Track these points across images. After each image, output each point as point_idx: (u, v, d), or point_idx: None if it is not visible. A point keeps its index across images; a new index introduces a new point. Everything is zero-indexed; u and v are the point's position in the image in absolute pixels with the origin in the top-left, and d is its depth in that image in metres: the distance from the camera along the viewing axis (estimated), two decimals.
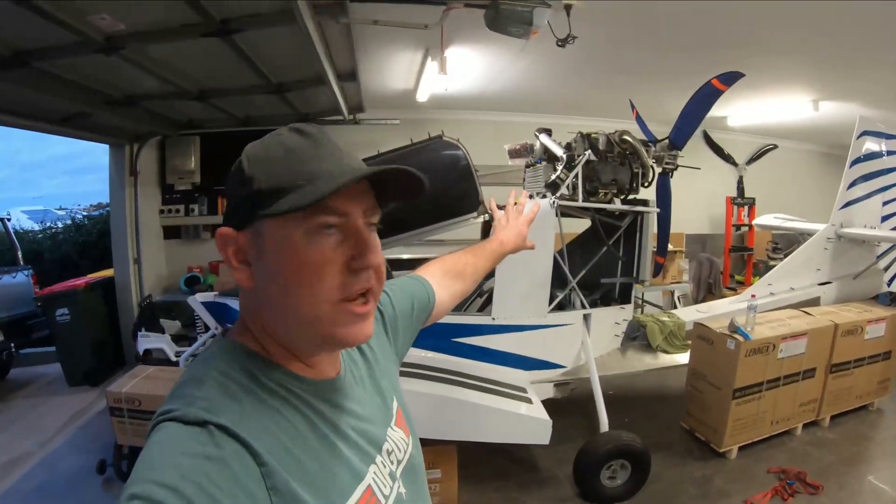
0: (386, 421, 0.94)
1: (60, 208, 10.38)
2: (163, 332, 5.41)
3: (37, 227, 9.02)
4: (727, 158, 8.32)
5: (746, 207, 8.35)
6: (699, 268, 7.33)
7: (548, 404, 3.47)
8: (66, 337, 5.69)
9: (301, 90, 4.78)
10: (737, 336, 3.82)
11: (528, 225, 1.64)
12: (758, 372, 3.90)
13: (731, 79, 3.84)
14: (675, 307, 5.75)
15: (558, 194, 3.63)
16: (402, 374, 3.17)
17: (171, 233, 7.00)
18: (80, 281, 5.94)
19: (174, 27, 3.08)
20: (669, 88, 5.06)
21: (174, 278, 6.75)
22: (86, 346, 5.74)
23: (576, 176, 3.65)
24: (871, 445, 4.25)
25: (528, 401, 3.36)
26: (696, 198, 7.97)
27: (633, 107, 4.53)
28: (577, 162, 3.66)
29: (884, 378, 4.77)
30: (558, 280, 3.88)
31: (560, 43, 3.30)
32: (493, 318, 3.63)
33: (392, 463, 0.89)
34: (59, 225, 8.96)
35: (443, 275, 1.37)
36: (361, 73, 4.93)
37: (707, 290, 7.19)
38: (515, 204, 1.68)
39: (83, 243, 8.36)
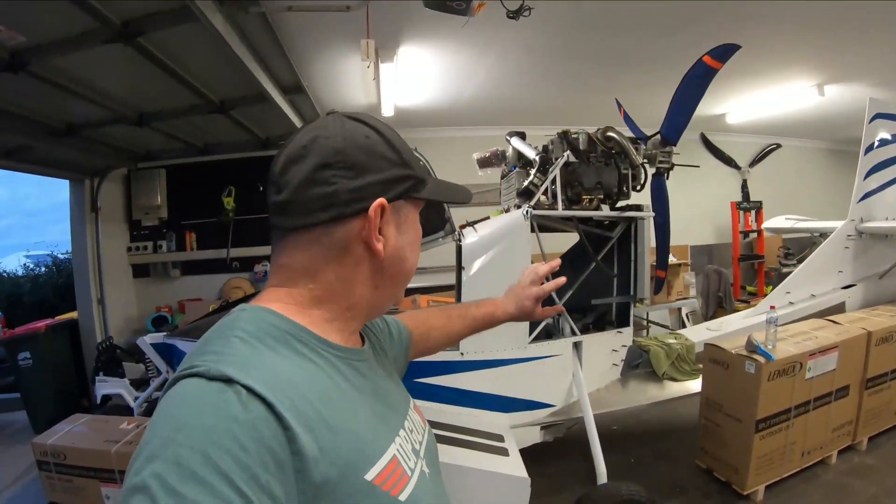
0: (405, 403, 0.98)
1: (66, 252, 10.44)
2: (122, 376, 5.12)
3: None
4: (728, 162, 8.02)
5: (753, 212, 8.06)
6: (707, 281, 7.03)
7: (539, 448, 2.97)
8: (30, 382, 5.44)
9: (247, 107, 4.66)
10: (756, 357, 3.29)
11: (535, 298, 1.44)
12: (784, 397, 3.39)
13: (725, 53, 3.41)
14: (684, 325, 5.26)
15: (532, 203, 3.13)
16: None
17: (140, 271, 6.78)
18: (41, 324, 5.66)
19: (75, 35, 2.97)
20: (658, 81, 4.68)
21: (144, 319, 6.50)
22: (49, 390, 5.48)
23: (553, 181, 3.16)
24: None
25: (503, 452, 2.83)
26: (699, 206, 7.73)
27: (619, 106, 4.10)
28: (554, 165, 3.17)
29: None
30: (545, 305, 3.37)
31: (512, 15, 2.83)
32: (462, 353, 3.14)
33: (415, 441, 0.91)
34: (43, 268, 8.77)
35: (417, 325, 1.36)
36: (311, 84, 4.75)
37: (717, 304, 6.87)
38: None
39: (63, 285, 8.07)
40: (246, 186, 6.52)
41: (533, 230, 3.17)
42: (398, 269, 0.89)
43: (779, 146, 8.21)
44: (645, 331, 4.66)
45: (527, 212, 3.09)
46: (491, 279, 3.13)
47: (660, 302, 5.32)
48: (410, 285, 3.31)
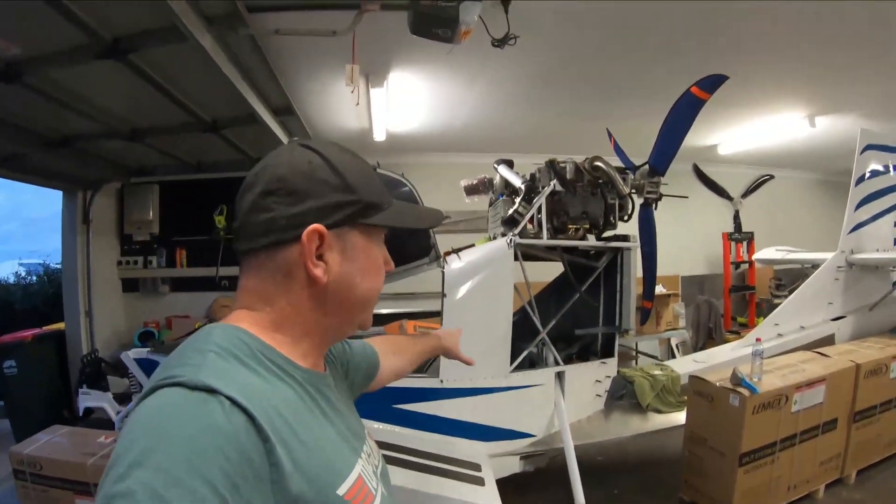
0: (362, 429, 0.99)
1: (59, 263, 10.47)
2: (106, 389, 5.12)
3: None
4: (721, 192, 8.00)
5: (745, 243, 8.02)
6: (697, 312, 6.97)
7: (521, 478, 2.94)
8: (14, 390, 5.36)
9: (239, 127, 4.66)
10: (741, 390, 3.27)
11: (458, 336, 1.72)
12: (769, 431, 3.37)
13: (713, 84, 3.40)
14: (674, 356, 5.22)
15: (517, 231, 3.12)
16: None
17: (129, 285, 6.74)
18: (28, 333, 5.63)
19: (68, 49, 2.99)
20: (648, 110, 4.59)
21: (132, 333, 6.45)
22: (34, 400, 5.42)
23: (538, 210, 3.15)
24: None
25: (479, 481, 2.77)
26: (691, 236, 7.70)
27: (610, 135, 4.09)
28: (540, 193, 3.17)
29: None
30: (529, 335, 3.41)
31: (497, 43, 2.85)
32: (442, 381, 3.11)
33: (374, 465, 0.93)
34: (34, 277, 8.74)
35: (384, 349, 1.37)
36: (302, 107, 4.78)
37: (707, 335, 6.79)
38: None
39: (53, 295, 8.02)
40: None
41: (517, 258, 3.16)
42: (346, 297, 0.87)
43: (771, 177, 8.22)
44: (634, 361, 4.63)
45: (510, 240, 3.08)
46: (473, 306, 3.11)
47: (649, 332, 5.27)
48: (398, 310, 3.34)
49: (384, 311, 5.70)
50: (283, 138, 4.95)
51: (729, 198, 8.07)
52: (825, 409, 3.61)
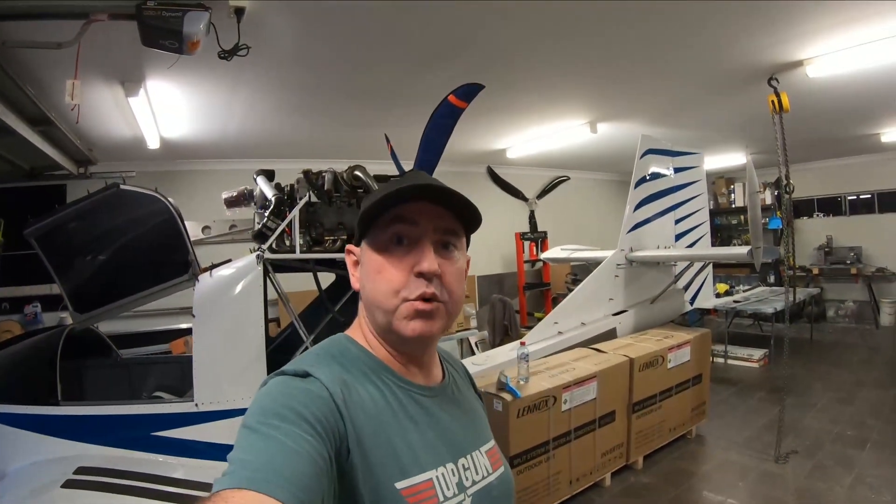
0: (474, 444, 0.99)
1: None
2: None
3: None
4: (515, 193, 8.14)
5: (538, 242, 8.29)
6: (493, 310, 6.98)
7: None
8: None
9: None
10: (504, 395, 3.28)
11: None
12: (538, 432, 3.41)
13: (469, 93, 3.41)
14: (473, 353, 5.26)
15: (266, 246, 2.96)
16: (75, 484, 2.43)
17: None
18: None
19: None
20: (422, 118, 4.60)
21: None
22: None
23: (290, 222, 3.01)
24: (694, 481, 3.91)
25: None
26: (486, 237, 7.81)
27: (388, 140, 4.03)
28: (295, 205, 3.03)
29: (698, 403, 4.56)
30: (298, 348, 3.27)
31: (224, 55, 2.72)
32: (197, 404, 2.88)
33: (465, 478, 0.92)
34: None
35: None
36: (68, 116, 4.31)
37: (504, 332, 6.82)
38: None
39: None
40: (16, 219, 5.76)
41: (268, 273, 3.00)
42: (365, 298, 0.96)
43: (567, 178, 8.49)
44: None
45: (258, 256, 2.92)
46: (224, 325, 2.93)
47: (448, 334, 5.28)
48: (181, 325, 3.13)
49: (184, 326, 5.64)
50: (47, 149, 4.56)
51: (524, 199, 8.24)
52: (600, 403, 3.71)
